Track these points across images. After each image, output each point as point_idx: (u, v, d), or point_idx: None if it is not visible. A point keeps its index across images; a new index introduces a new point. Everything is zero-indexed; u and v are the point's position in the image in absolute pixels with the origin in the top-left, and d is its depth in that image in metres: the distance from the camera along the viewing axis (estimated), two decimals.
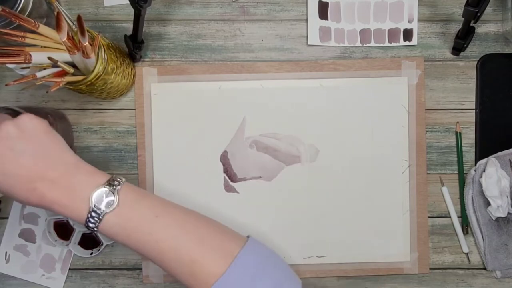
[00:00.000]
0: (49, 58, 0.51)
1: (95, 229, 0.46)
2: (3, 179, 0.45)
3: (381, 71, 0.65)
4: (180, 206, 0.51)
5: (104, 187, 0.46)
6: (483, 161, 0.64)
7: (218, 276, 0.46)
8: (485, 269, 0.66)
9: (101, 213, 0.45)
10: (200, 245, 0.47)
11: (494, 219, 0.63)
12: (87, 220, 0.46)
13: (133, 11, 0.56)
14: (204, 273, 0.46)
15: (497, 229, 0.64)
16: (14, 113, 0.57)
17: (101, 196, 0.46)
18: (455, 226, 0.66)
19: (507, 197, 0.63)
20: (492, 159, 0.63)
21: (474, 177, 0.64)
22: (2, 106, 0.57)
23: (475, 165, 0.66)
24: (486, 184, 0.62)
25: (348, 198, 0.65)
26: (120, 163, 0.66)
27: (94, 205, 0.45)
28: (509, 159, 0.64)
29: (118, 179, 0.47)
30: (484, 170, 0.63)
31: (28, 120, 0.47)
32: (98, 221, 0.45)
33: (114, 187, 0.46)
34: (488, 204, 0.63)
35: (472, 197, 0.64)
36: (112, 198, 0.46)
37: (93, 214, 0.45)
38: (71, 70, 0.54)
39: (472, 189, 0.64)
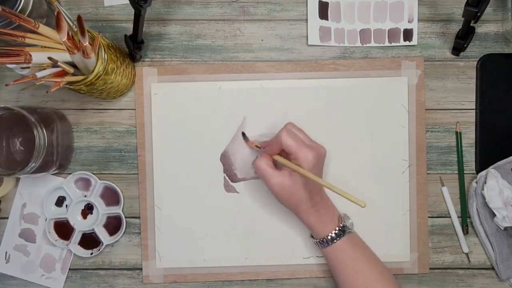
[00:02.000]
0: (49, 58, 0.51)
1: (329, 243, 0.59)
2: (290, 202, 0.59)
3: (381, 71, 0.65)
4: (375, 259, 0.61)
5: (344, 216, 0.61)
6: (483, 173, 0.64)
7: None
8: (485, 269, 0.66)
9: (344, 233, 0.59)
10: None
11: (502, 229, 0.63)
12: (331, 236, 0.59)
13: (133, 11, 0.56)
14: None
15: (506, 238, 0.64)
16: (14, 113, 0.57)
17: (345, 220, 0.60)
18: (455, 226, 0.66)
19: None
20: (491, 170, 0.63)
21: (476, 189, 0.64)
22: (2, 106, 0.57)
23: (475, 165, 0.66)
24: (489, 196, 0.62)
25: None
26: (120, 163, 0.66)
27: (343, 225, 0.59)
28: (511, 168, 0.63)
29: (346, 215, 0.62)
30: (485, 182, 0.63)
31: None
32: (341, 235, 0.59)
33: (348, 219, 0.61)
34: (494, 214, 0.63)
35: (477, 209, 0.64)
36: (350, 227, 0.60)
37: (340, 231, 0.59)
38: (71, 70, 0.54)
39: (476, 202, 0.64)
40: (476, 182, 0.64)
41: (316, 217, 0.59)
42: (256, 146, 0.63)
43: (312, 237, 0.61)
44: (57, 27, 0.48)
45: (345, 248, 0.59)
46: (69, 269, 0.66)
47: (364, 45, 0.66)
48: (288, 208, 0.60)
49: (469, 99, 0.66)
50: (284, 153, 0.58)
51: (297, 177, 0.57)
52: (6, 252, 0.66)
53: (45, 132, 0.58)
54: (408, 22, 0.66)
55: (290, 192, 0.57)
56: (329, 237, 0.58)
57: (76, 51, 0.52)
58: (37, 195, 0.66)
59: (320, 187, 0.60)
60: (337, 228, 0.59)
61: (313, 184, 0.58)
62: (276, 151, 0.59)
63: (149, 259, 0.65)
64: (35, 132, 0.56)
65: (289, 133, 0.57)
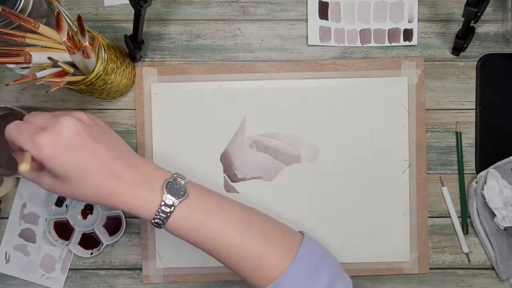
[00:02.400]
0: (49, 58, 0.51)
1: (164, 222, 0.45)
2: (76, 169, 0.44)
3: (381, 71, 0.65)
4: (239, 202, 0.51)
5: (174, 178, 0.46)
6: (483, 173, 0.64)
7: (283, 269, 0.47)
8: (485, 269, 0.66)
9: (174, 203, 0.45)
10: (265, 239, 0.48)
11: (502, 229, 0.63)
12: (158, 212, 0.45)
13: (133, 11, 0.56)
14: (270, 267, 0.47)
15: (506, 238, 0.64)
16: (14, 113, 0.57)
17: (172, 187, 0.46)
18: (455, 226, 0.66)
19: None
20: (491, 170, 0.63)
21: (476, 189, 0.64)
22: (2, 106, 0.57)
23: (475, 165, 0.66)
24: (489, 196, 0.62)
25: (348, 198, 0.65)
26: None
27: (167, 195, 0.45)
28: (511, 168, 0.63)
29: (181, 175, 0.48)
30: (485, 182, 0.63)
31: (94, 116, 0.49)
32: (169, 214, 0.45)
33: (183, 179, 0.47)
34: (494, 214, 0.63)
35: (477, 209, 0.64)
36: (183, 189, 0.46)
37: (165, 205, 0.45)
38: (71, 70, 0.54)
39: (476, 202, 0.64)
40: (476, 182, 0.64)
41: (134, 193, 0.45)
42: None
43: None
44: (57, 27, 0.48)
45: (188, 214, 0.46)
46: (69, 269, 0.66)
47: (364, 45, 0.66)
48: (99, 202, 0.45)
49: (469, 99, 0.66)
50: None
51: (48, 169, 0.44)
52: (6, 252, 0.66)
53: None
54: (408, 22, 0.66)
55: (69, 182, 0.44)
56: (160, 210, 0.45)
57: (76, 51, 0.52)
58: (37, 195, 0.66)
59: (127, 153, 0.47)
60: (165, 193, 0.45)
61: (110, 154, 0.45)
62: (19, 157, 0.46)
63: (149, 259, 0.65)
64: None
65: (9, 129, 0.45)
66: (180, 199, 0.45)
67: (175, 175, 0.47)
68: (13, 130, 0.44)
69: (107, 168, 0.45)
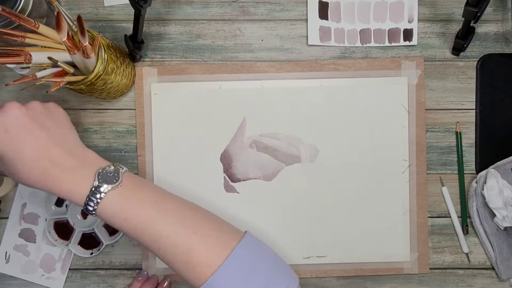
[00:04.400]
0: (49, 58, 0.51)
1: (95, 207, 0.46)
2: (13, 148, 0.46)
3: (381, 71, 0.65)
4: (180, 197, 0.51)
5: (109, 167, 0.47)
6: (483, 173, 0.64)
7: (215, 267, 0.46)
8: (485, 269, 0.66)
9: (103, 190, 0.46)
10: (198, 234, 0.47)
11: (502, 229, 0.63)
12: (88, 197, 0.46)
13: (133, 11, 0.56)
14: (201, 263, 0.46)
15: (506, 238, 0.64)
16: None
17: (105, 175, 0.47)
18: (455, 226, 0.66)
19: None
20: (491, 170, 0.63)
21: (476, 189, 0.64)
22: None
23: (475, 165, 0.66)
24: (489, 196, 0.62)
25: (348, 198, 0.65)
26: (120, 163, 0.66)
27: (99, 182, 0.46)
28: (511, 168, 0.63)
29: (121, 166, 0.48)
30: (485, 182, 0.63)
31: (54, 105, 0.51)
32: (99, 200, 0.45)
33: (119, 169, 0.48)
34: (494, 214, 0.63)
35: (477, 209, 0.64)
36: (116, 177, 0.47)
37: (96, 191, 0.46)
38: (71, 70, 0.54)
39: (476, 202, 0.64)
40: (476, 182, 0.64)
41: (67, 178, 0.46)
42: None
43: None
44: (57, 27, 0.48)
45: (118, 201, 0.46)
46: (69, 269, 0.66)
47: (364, 45, 0.66)
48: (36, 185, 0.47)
49: (469, 99, 0.66)
50: None
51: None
52: (6, 252, 0.66)
53: None
54: (408, 22, 0.66)
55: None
56: (90, 196, 0.46)
57: (76, 51, 0.52)
58: (37, 195, 0.66)
59: (71, 141, 0.49)
60: (96, 179, 0.46)
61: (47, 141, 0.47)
62: None
63: (149, 259, 0.65)
64: None
65: None
66: (112, 186, 0.46)
67: (113, 165, 0.48)
68: None
69: (45, 151, 0.46)
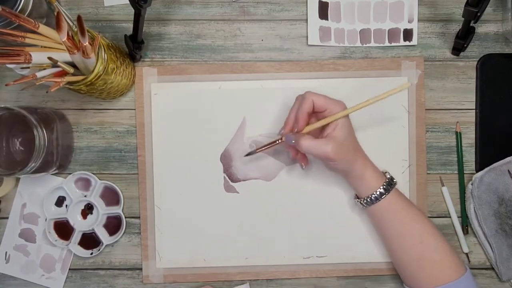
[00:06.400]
0: (49, 58, 0.51)
1: (373, 202, 0.58)
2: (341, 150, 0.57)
3: (381, 71, 0.65)
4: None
5: (391, 177, 0.60)
6: (478, 175, 0.64)
7: (455, 278, 0.57)
8: (485, 269, 0.66)
9: (391, 183, 0.59)
10: (440, 251, 0.58)
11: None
12: (372, 194, 0.58)
13: (133, 11, 0.56)
14: (447, 269, 0.57)
15: (506, 239, 0.64)
16: (14, 113, 0.57)
17: (389, 182, 0.59)
18: (455, 226, 0.66)
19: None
20: (487, 172, 0.63)
21: (472, 191, 0.64)
22: (2, 106, 0.57)
23: (475, 165, 0.66)
24: (486, 197, 0.62)
25: (348, 198, 0.65)
26: (120, 163, 0.66)
27: (391, 178, 0.60)
28: (508, 170, 0.63)
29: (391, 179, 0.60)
30: (481, 184, 0.63)
31: None
32: (380, 198, 0.58)
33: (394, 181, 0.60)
34: (492, 215, 0.63)
35: (474, 211, 0.64)
36: (393, 186, 0.59)
37: (386, 185, 0.58)
38: (71, 70, 0.54)
39: (473, 203, 0.64)
40: (472, 184, 0.64)
41: (370, 170, 0.59)
42: (262, 147, 0.61)
43: (357, 198, 0.61)
44: (57, 27, 0.48)
45: (395, 200, 0.59)
46: (69, 269, 0.66)
47: (364, 45, 0.66)
48: (341, 171, 0.59)
49: (469, 99, 0.66)
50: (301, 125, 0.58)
51: (339, 133, 0.57)
52: (6, 252, 0.66)
53: (45, 132, 0.58)
54: (408, 22, 0.66)
55: (345, 148, 0.57)
56: (378, 192, 0.58)
57: (76, 51, 0.52)
58: (37, 195, 0.66)
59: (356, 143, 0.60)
60: (386, 181, 0.59)
61: (353, 139, 0.59)
62: (303, 124, 0.58)
63: (149, 259, 0.65)
64: (35, 132, 0.56)
65: (313, 93, 0.58)
66: (390, 190, 0.59)
67: (390, 177, 0.60)
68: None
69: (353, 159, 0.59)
